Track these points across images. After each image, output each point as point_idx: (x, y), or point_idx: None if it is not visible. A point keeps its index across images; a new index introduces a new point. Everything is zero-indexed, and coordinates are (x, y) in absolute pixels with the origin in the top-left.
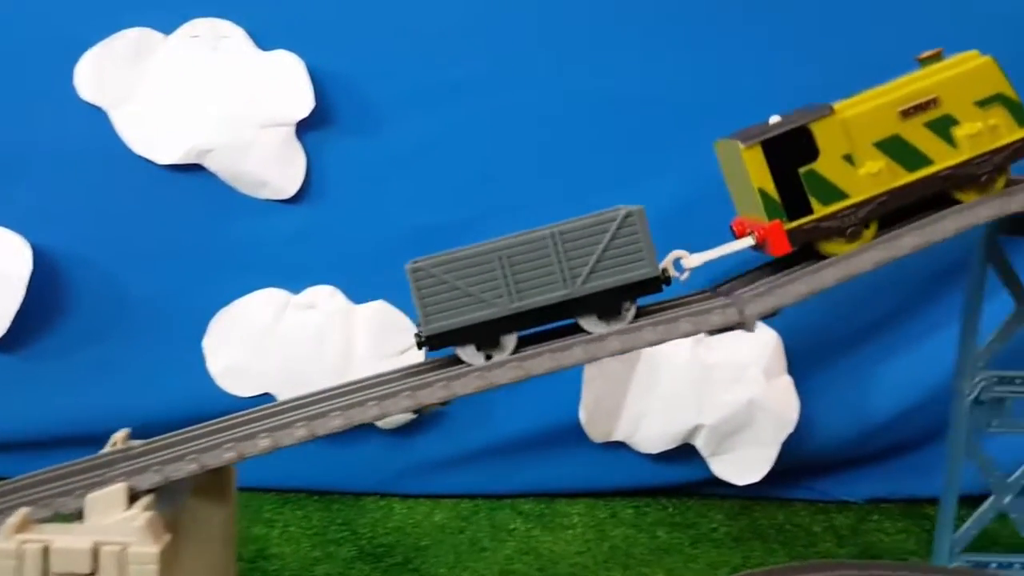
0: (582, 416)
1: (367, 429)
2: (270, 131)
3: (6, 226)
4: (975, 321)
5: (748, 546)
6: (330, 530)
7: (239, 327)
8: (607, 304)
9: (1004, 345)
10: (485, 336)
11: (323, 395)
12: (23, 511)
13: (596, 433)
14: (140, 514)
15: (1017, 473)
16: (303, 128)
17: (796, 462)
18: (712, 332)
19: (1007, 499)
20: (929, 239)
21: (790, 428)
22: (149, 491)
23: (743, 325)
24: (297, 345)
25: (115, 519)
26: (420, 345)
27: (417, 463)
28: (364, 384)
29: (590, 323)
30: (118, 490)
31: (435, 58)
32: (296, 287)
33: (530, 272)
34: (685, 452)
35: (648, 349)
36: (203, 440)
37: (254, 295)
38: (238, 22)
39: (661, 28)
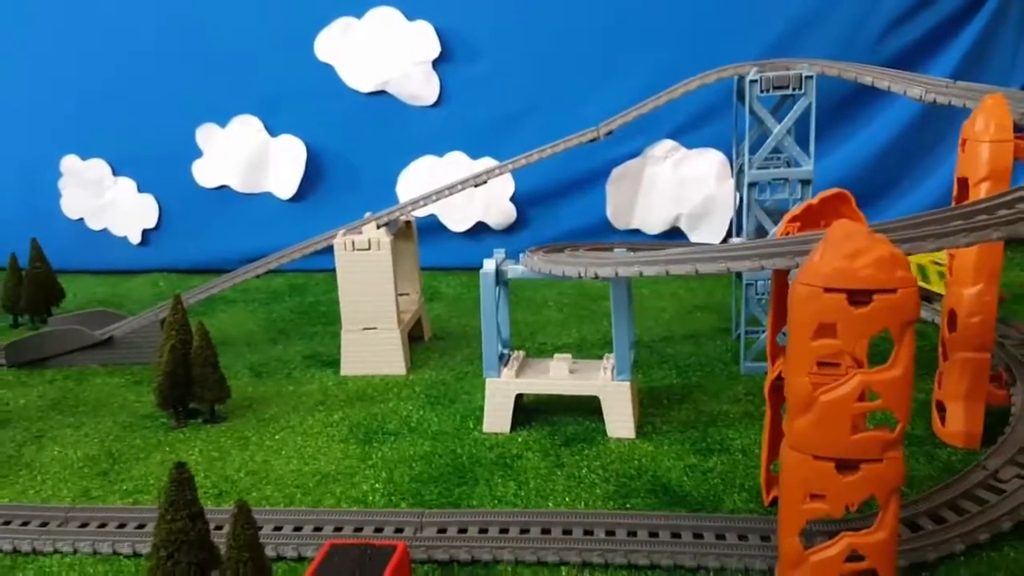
0: (609, 213)
1: None
2: (418, 67)
3: (288, 132)
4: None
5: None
6: None
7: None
8: None
9: None
10: None
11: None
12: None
13: (619, 224)
14: (379, 231)
15: None
16: (436, 64)
17: None
18: None
19: None
20: None
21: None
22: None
23: None
24: None
25: (371, 232)
26: None
27: None
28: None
29: None
30: (372, 224)
31: None
32: (441, 152)
33: None
34: (674, 233)
35: (645, 170)
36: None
37: (425, 158)
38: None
39: None
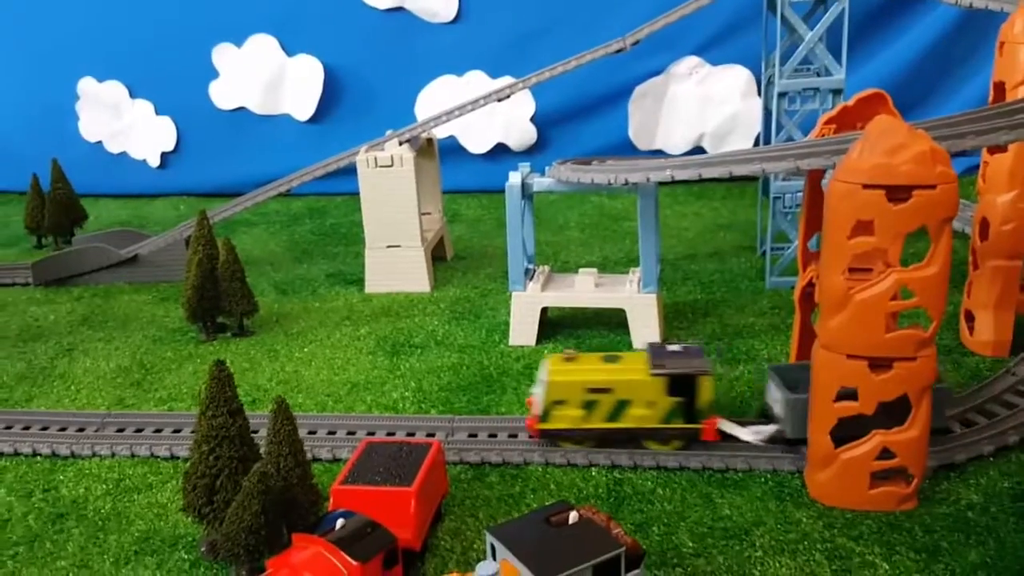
0: (631, 133)
1: None
2: None
3: (305, 52)
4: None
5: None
6: None
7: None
8: None
9: None
10: None
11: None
12: None
13: (641, 144)
14: (402, 147)
15: None
16: None
17: None
18: None
19: None
20: None
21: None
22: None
23: None
24: None
25: (394, 149)
26: None
27: None
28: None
29: None
30: (394, 141)
31: None
32: (460, 72)
33: None
34: (697, 152)
35: (668, 88)
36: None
37: (444, 78)
38: None
39: None
